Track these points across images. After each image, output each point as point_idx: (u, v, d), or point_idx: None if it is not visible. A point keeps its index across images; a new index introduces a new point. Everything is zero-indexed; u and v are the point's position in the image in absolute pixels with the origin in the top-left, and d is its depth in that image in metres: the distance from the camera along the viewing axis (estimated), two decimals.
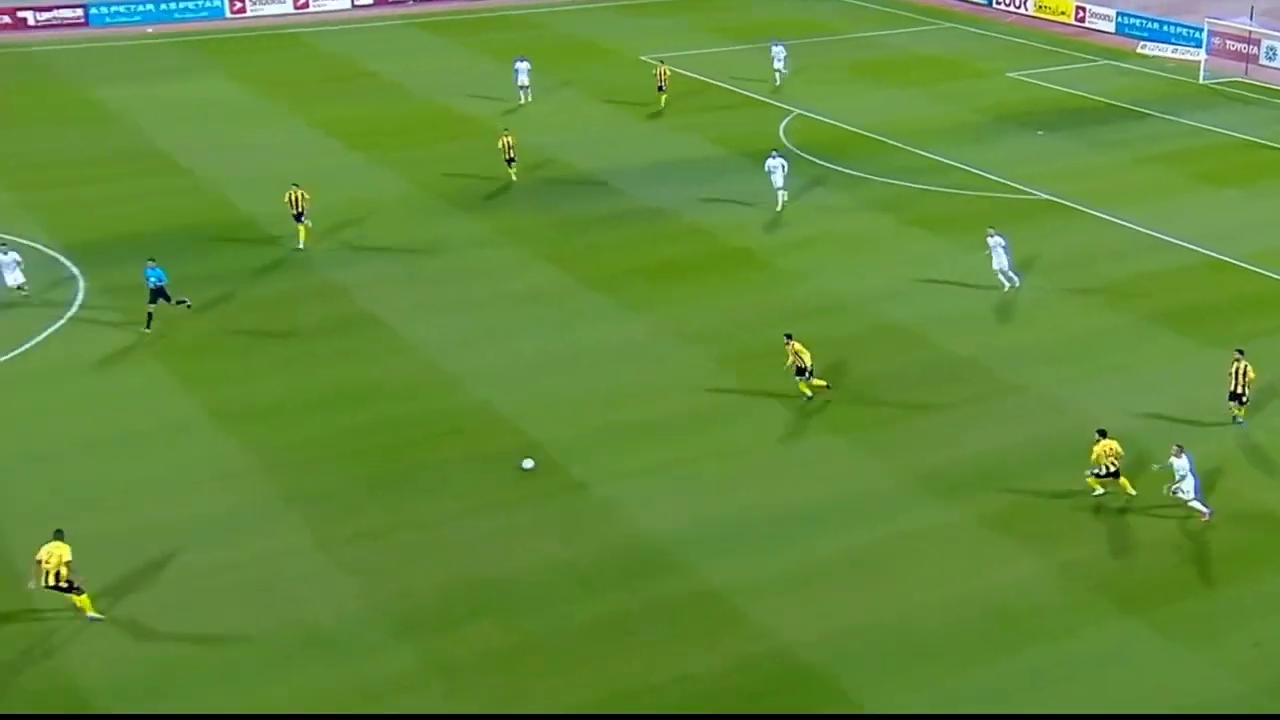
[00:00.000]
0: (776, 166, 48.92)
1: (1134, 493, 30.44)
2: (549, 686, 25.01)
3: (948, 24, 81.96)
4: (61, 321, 39.28)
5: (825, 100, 64.06)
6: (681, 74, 67.54)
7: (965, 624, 26.80)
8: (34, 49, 73.67)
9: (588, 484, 31.59)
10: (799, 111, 62.29)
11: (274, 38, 77.62)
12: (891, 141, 57.84)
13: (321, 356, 37.86)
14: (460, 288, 42.80)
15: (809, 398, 35.08)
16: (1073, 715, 24.48)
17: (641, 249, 46.17)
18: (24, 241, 45.34)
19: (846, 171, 53.94)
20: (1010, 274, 41.96)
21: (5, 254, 38.35)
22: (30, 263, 43.13)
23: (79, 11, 78.28)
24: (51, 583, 26.45)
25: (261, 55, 73.50)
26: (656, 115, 61.14)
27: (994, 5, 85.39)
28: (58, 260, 44.12)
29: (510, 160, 51.47)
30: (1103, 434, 30.44)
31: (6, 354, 37.22)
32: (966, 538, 29.76)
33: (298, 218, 44.89)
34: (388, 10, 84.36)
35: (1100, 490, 30.56)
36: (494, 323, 40.30)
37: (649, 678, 25.21)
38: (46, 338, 38.54)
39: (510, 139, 51.60)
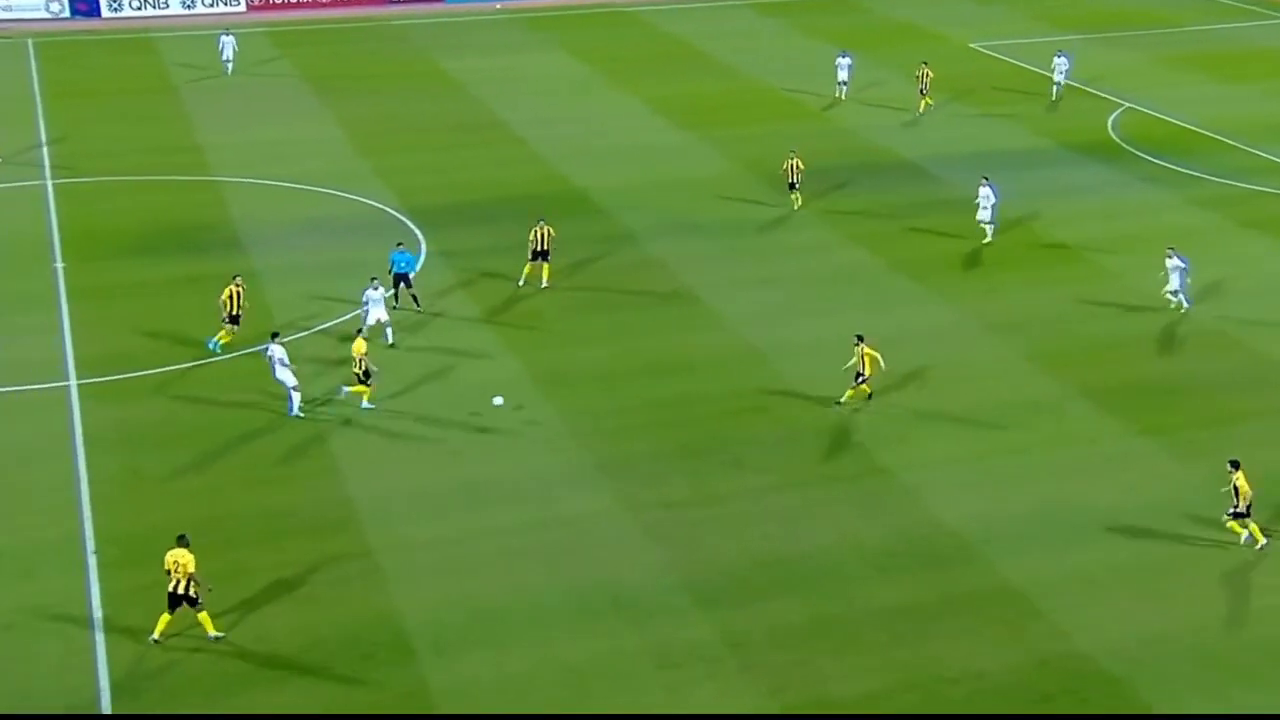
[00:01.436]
0: (986, 195, 44.69)
1: (1264, 541, 28.55)
2: (839, 668, 25.30)
3: None
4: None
5: (1160, 94, 61.80)
6: (1011, 63, 66.67)
7: (1265, 641, 26.02)
8: (393, 23, 77.90)
9: (890, 469, 31.79)
10: (1129, 105, 60.30)
11: (613, 15, 79.66)
12: (1228, 140, 55.48)
13: (639, 328, 39.12)
14: (774, 266, 43.44)
15: (838, 403, 34.35)
16: None
17: (954, 236, 45.72)
18: (373, 203, 48.46)
19: (1177, 169, 52.08)
20: (1183, 296, 39.60)
21: (375, 289, 37.28)
22: (379, 224, 46.05)
23: None
24: (180, 590, 25.24)
25: (600, 33, 75.49)
26: (985, 107, 60.22)
27: None
28: (403, 223, 46.69)
29: (793, 185, 47.33)
30: (1235, 465, 28.53)
31: (353, 310, 39.67)
32: (1272, 551, 28.70)
33: (542, 255, 41.34)
34: None
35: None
36: (803, 301, 40.81)
37: (940, 670, 25.19)
38: (388, 297, 40.72)
39: (798, 161, 47.59)
